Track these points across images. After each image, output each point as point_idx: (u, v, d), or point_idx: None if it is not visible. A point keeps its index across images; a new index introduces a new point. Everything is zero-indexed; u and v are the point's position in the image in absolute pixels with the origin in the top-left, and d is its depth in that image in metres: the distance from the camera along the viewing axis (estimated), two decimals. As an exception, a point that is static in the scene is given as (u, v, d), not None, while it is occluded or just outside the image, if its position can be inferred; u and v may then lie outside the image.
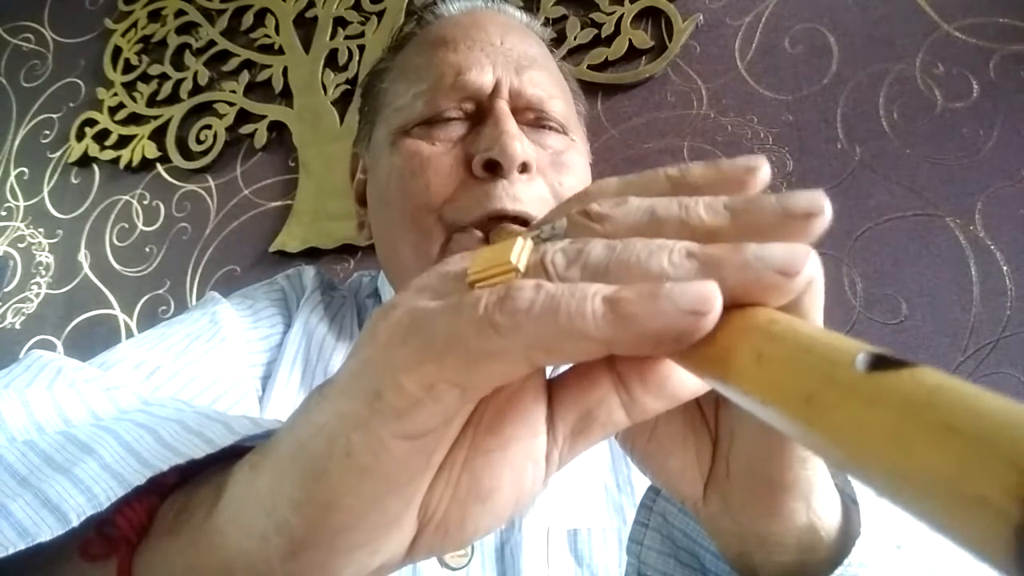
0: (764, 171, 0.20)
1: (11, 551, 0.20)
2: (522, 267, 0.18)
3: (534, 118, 0.50)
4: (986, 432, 0.10)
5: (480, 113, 0.49)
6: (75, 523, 0.21)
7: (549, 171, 0.49)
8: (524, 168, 0.46)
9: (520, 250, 0.19)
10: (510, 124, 0.46)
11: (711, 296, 0.15)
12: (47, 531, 0.20)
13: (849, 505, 0.29)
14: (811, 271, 0.16)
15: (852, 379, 0.13)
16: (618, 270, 0.17)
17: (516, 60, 0.50)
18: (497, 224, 0.45)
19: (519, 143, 0.45)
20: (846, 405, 0.13)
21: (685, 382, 0.20)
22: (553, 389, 0.21)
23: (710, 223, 0.18)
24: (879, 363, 0.13)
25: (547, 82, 0.51)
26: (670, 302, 0.15)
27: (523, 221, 0.45)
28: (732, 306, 0.16)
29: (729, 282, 0.16)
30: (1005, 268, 0.74)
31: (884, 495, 0.12)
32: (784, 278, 0.16)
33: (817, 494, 0.26)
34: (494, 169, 0.45)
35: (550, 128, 0.51)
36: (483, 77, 0.48)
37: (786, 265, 0.16)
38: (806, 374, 0.14)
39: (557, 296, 0.16)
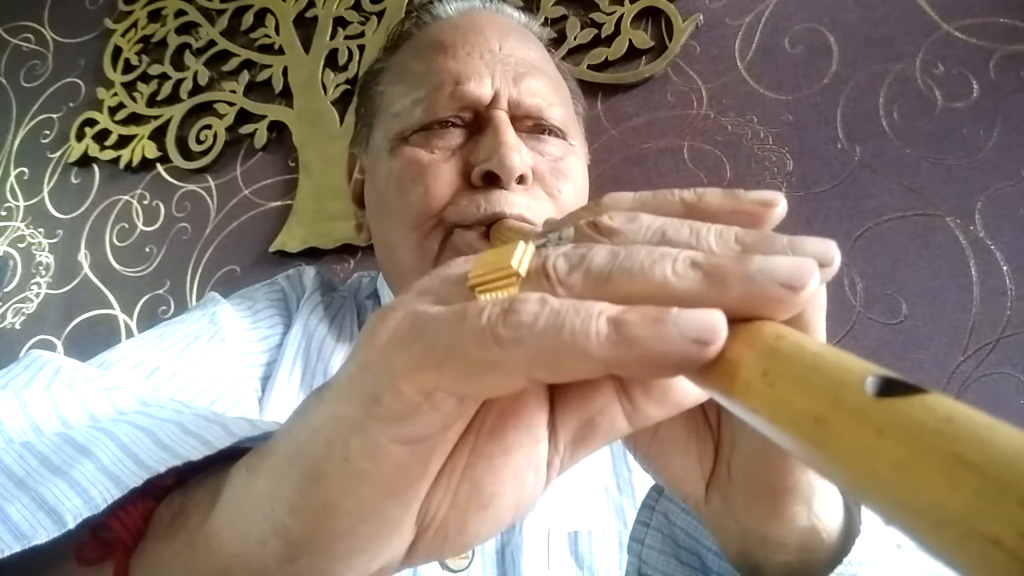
0: (780, 207, 0.20)
1: (7, 553, 0.20)
2: (523, 271, 0.18)
3: (533, 125, 0.50)
4: (1000, 468, 0.10)
5: (478, 121, 0.49)
6: (71, 525, 0.21)
7: (548, 178, 0.49)
8: (521, 180, 0.46)
9: (522, 254, 0.18)
10: (508, 135, 0.46)
11: (717, 326, 0.15)
12: (43, 533, 0.20)
13: (851, 505, 0.29)
14: (814, 285, 0.16)
15: (862, 403, 0.13)
16: (620, 277, 0.17)
17: (514, 67, 0.50)
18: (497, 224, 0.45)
19: (517, 155, 0.45)
20: (856, 431, 0.13)
21: (688, 390, 0.20)
22: (555, 395, 0.21)
23: (719, 254, 0.18)
24: (889, 387, 0.13)
25: (545, 89, 0.51)
26: (675, 328, 0.15)
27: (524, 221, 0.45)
28: (737, 319, 0.16)
29: (733, 294, 0.16)
30: (1005, 268, 0.74)
31: (892, 524, 0.12)
32: (789, 292, 0.16)
33: (819, 497, 0.26)
34: (492, 181, 0.46)
35: (549, 133, 0.51)
36: (482, 89, 0.48)
37: (791, 279, 0.16)
38: (815, 395, 0.14)
39: (562, 313, 0.16)
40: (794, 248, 0.17)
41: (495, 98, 0.48)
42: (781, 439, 0.15)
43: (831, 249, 0.17)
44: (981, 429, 0.11)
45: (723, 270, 0.16)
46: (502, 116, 0.48)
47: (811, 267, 0.16)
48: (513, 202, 0.45)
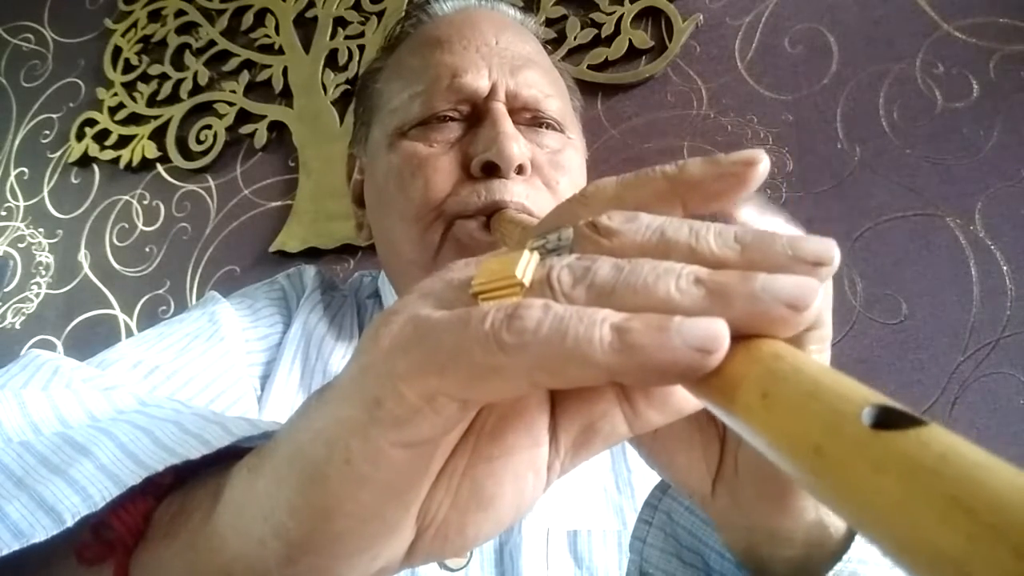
0: (763, 165, 0.19)
1: (5, 552, 0.20)
2: (527, 282, 0.18)
3: (531, 118, 0.50)
4: (992, 514, 0.10)
5: (476, 114, 0.49)
6: (70, 523, 0.21)
7: (546, 170, 0.49)
8: (520, 170, 0.46)
9: (526, 264, 0.18)
10: (507, 125, 0.46)
11: (720, 335, 0.15)
12: (42, 532, 0.20)
13: None
14: (817, 304, 0.16)
15: (858, 436, 0.13)
16: (624, 292, 0.17)
17: (511, 60, 0.50)
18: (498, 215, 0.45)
19: (516, 144, 0.45)
20: (852, 465, 0.13)
21: (689, 397, 0.20)
22: (556, 399, 0.21)
23: (719, 253, 0.18)
24: (885, 418, 0.13)
25: (542, 81, 0.51)
26: (678, 336, 0.15)
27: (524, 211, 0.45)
28: (739, 336, 0.16)
29: (736, 312, 0.16)
30: (1005, 268, 0.74)
31: (889, 557, 0.12)
32: (792, 312, 0.16)
33: None
34: (492, 171, 0.46)
35: (547, 127, 0.51)
36: (479, 80, 0.48)
37: (795, 299, 0.16)
38: (813, 423, 0.14)
39: (566, 319, 0.16)
40: (794, 247, 0.17)
41: (492, 90, 0.48)
42: (778, 460, 0.15)
43: (831, 248, 0.17)
44: (975, 469, 0.11)
45: (727, 288, 0.16)
46: (500, 107, 0.48)
47: (815, 287, 0.16)
48: (513, 191, 0.45)
